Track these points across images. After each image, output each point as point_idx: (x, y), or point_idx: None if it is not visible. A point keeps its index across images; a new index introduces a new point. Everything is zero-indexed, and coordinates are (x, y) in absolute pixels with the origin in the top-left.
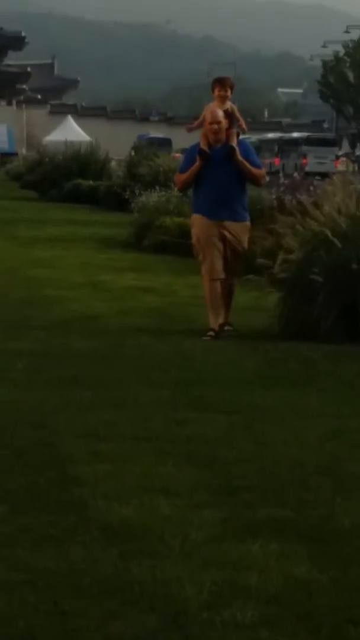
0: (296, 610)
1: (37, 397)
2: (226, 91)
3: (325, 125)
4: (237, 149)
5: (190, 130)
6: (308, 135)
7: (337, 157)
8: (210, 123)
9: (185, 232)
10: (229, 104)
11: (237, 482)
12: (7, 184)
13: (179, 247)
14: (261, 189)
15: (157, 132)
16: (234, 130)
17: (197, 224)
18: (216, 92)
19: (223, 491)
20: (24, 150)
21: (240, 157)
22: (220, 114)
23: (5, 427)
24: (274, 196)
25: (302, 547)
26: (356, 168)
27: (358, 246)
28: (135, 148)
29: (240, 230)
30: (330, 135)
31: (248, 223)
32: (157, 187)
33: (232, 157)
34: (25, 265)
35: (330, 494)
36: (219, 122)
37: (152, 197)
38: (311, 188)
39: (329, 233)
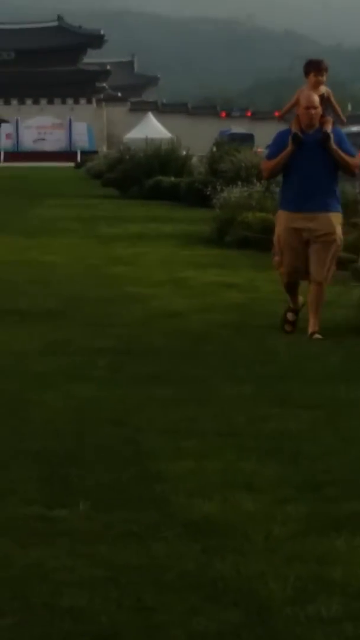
0: None
1: (119, 395)
2: (322, 76)
3: None
4: (331, 135)
5: (281, 117)
6: None
7: None
8: (307, 108)
9: (267, 228)
10: (324, 89)
11: (321, 476)
12: (89, 182)
13: (261, 242)
14: (344, 183)
15: (239, 127)
16: (329, 118)
17: (282, 221)
18: (311, 78)
19: (306, 486)
20: (104, 148)
21: (334, 145)
22: (315, 98)
23: (88, 424)
24: (357, 190)
25: None
26: None
27: None
28: (216, 144)
29: (331, 221)
30: None
31: (340, 214)
32: (239, 183)
33: (326, 144)
34: (107, 263)
35: None
36: (315, 107)
37: (234, 193)
38: None
39: None
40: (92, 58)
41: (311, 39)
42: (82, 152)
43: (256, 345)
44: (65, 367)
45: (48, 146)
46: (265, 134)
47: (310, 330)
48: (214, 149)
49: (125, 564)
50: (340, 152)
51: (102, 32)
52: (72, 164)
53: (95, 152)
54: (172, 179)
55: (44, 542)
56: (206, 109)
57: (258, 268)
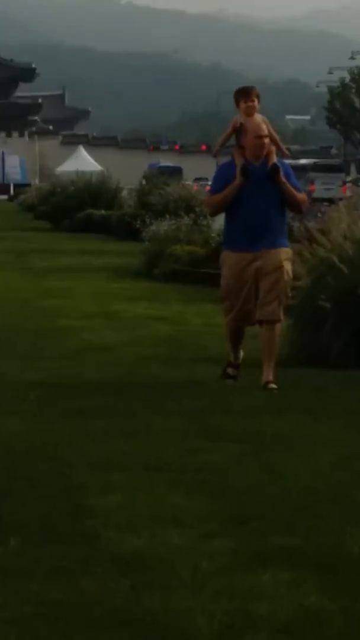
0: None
1: (50, 428)
2: (253, 101)
3: (334, 151)
4: (280, 167)
5: (215, 155)
6: (315, 162)
7: (344, 183)
8: (256, 137)
9: (195, 261)
10: (260, 117)
11: (248, 510)
12: (21, 215)
13: (189, 275)
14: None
15: (167, 160)
16: (273, 148)
17: (230, 263)
18: (242, 105)
19: (234, 520)
20: (36, 181)
21: (283, 178)
22: (263, 127)
23: (18, 458)
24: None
25: (312, 576)
26: None
27: None
28: (146, 177)
29: (280, 257)
30: (336, 161)
31: (289, 250)
32: (168, 216)
33: (275, 178)
34: (39, 296)
35: (340, 522)
36: (265, 136)
37: (163, 226)
38: (318, 214)
39: (336, 259)
40: (23, 91)
41: (237, 73)
42: (15, 185)
43: (185, 378)
44: None
45: None
46: (192, 167)
47: (264, 379)
48: (143, 182)
49: (55, 600)
50: (289, 186)
51: (33, 66)
52: (5, 197)
53: (28, 185)
54: (103, 212)
55: None
56: (135, 142)
57: (186, 301)
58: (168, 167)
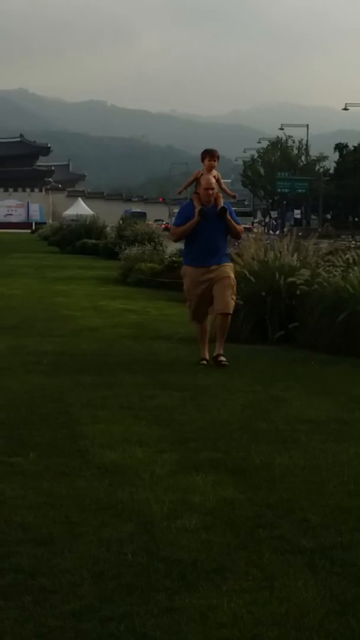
0: (225, 519)
1: (57, 381)
2: (214, 161)
3: (246, 203)
4: (226, 209)
5: (179, 193)
6: (234, 210)
7: (252, 223)
8: (206, 189)
9: (155, 273)
10: (215, 172)
11: (187, 435)
12: (39, 243)
13: (150, 282)
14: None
15: (136, 208)
16: (219, 194)
17: (189, 274)
18: (206, 162)
19: (177, 442)
20: (50, 221)
21: (229, 216)
22: (213, 181)
23: (36, 401)
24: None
25: (229, 478)
26: (265, 230)
27: (265, 281)
28: (122, 218)
29: (226, 269)
30: (248, 209)
31: (231, 264)
32: (136, 244)
33: (223, 216)
34: (50, 295)
35: (247, 442)
36: (213, 188)
37: (133, 250)
38: (236, 244)
39: (246, 272)
40: (42, 162)
41: (183, 151)
42: (36, 223)
43: (146, 349)
44: (22, 363)
45: (14, 219)
46: (153, 212)
47: (216, 352)
48: (121, 221)
49: (58, 493)
50: (232, 221)
51: (48, 145)
52: (29, 231)
53: (44, 223)
54: (94, 241)
55: (4, 479)
56: (116, 195)
57: (148, 299)
58: (137, 212)
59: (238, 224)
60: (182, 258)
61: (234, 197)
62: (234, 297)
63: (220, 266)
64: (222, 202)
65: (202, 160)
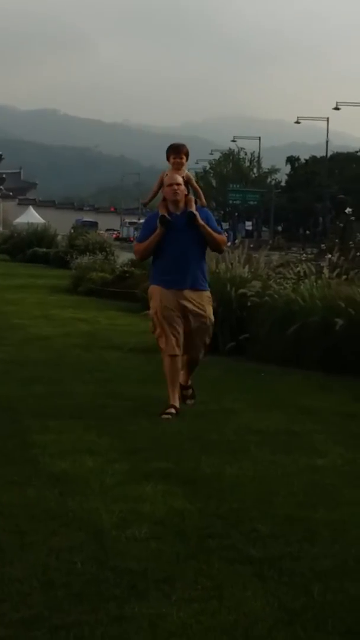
0: (174, 529)
1: (7, 390)
2: (181, 158)
3: None
4: (197, 213)
5: (145, 204)
6: None
7: None
8: (169, 185)
9: (105, 282)
10: (185, 172)
11: (137, 445)
12: None
13: (101, 292)
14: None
15: (88, 217)
16: (192, 197)
17: (156, 296)
18: (171, 160)
19: (128, 451)
20: (0, 228)
21: (201, 221)
22: (178, 177)
23: None
24: None
25: (179, 488)
26: None
27: (216, 292)
28: (74, 227)
29: (202, 300)
30: None
31: (209, 293)
32: (88, 253)
33: (193, 222)
34: (0, 303)
35: (197, 453)
36: (178, 184)
37: (84, 260)
38: None
39: None
40: None
41: (135, 161)
42: None
43: (97, 358)
44: None
45: None
46: (104, 222)
47: (182, 382)
48: (72, 230)
49: (9, 502)
50: (208, 228)
51: (1, 153)
52: None
53: None
54: (44, 249)
55: None
56: (67, 204)
57: (99, 309)
58: (88, 221)
59: (219, 233)
60: (150, 276)
61: (203, 204)
62: (208, 340)
63: (195, 294)
64: (194, 206)
65: (167, 159)
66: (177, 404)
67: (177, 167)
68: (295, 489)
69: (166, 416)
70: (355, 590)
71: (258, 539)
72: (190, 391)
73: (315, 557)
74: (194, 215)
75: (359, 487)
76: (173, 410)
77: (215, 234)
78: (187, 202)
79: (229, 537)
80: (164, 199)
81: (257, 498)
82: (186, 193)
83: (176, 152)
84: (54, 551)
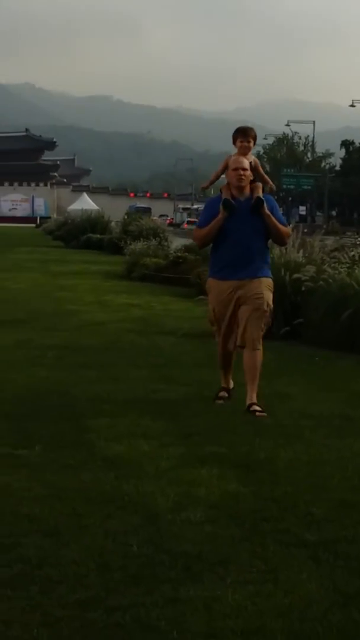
0: (229, 512)
1: (62, 375)
2: (249, 142)
3: None
4: (265, 200)
5: (205, 188)
6: None
7: None
8: (235, 169)
9: (159, 268)
10: (252, 157)
11: (191, 429)
12: (44, 237)
13: (155, 277)
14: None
15: (141, 203)
16: (259, 183)
17: (214, 291)
18: (238, 143)
19: (182, 435)
20: (55, 215)
21: (267, 211)
22: (245, 160)
23: (41, 394)
24: None
25: (233, 472)
26: None
27: None
28: (127, 213)
29: (262, 287)
30: None
31: (270, 280)
32: (142, 239)
33: (259, 210)
34: (55, 290)
35: (251, 437)
36: (244, 169)
37: (138, 245)
38: None
39: None
40: (47, 157)
41: (188, 147)
42: (40, 217)
43: (150, 343)
44: (27, 357)
45: (19, 213)
46: (158, 208)
47: (247, 401)
48: (125, 217)
49: (65, 486)
50: (273, 219)
51: (54, 140)
52: (33, 225)
53: (49, 218)
54: (98, 235)
55: (10, 471)
56: (121, 190)
57: (153, 294)
58: (142, 207)
59: (283, 224)
60: (209, 267)
61: (271, 189)
62: (264, 328)
63: (252, 282)
64: (260, 192)
65: (234, 143)
66: (229, 386)
67: (244, 151)
68: (350, 473)
69: (219, 401)
70: None
71: (312, 522)
72: (257, 407)
73: None
74: (262, 201)
75: None
76: (225, 394)
77: (280, 226)
78: (252, 189)
79: (284, 520)
80: (228, 184)
81: (311, 482)
82: (252, 179)
83: (244, 135)
84: (110, 534)
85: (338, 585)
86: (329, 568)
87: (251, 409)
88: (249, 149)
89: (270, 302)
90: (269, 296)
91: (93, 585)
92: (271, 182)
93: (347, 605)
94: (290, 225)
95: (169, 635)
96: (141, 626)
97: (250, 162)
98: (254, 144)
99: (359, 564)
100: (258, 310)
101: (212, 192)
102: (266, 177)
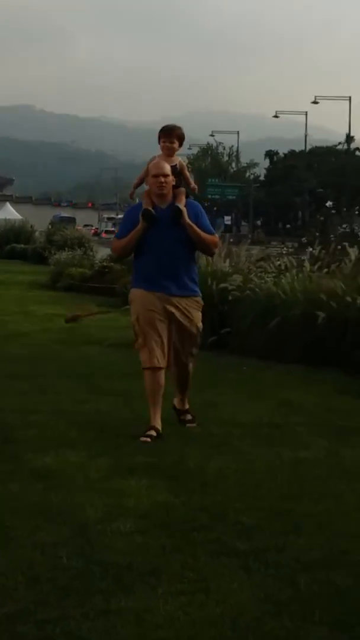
0: (159, 522)
1: None
2: (172, 142)
3: None
4: (184, 210)
5: (132, 195)
6: None
7: None
8: (155, 176)
9: (84, 278)
10: (177, 159)
11: (121, 440)
12: None
13: (80, 287)
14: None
15: (66, 213)
16: (182, 189)
17: (137, 300)
18: (161, 143)
19: (111, 446)
20: None
21: (188, 220)
22: (166, 166)
23: None
24: None
25: (162, 482)
26: None
27: None
28: (51, 223)
29: (190, 307)
30: None
31: (199, 298)
32: (66, 249)
33: (178, 220)
34: None
35: (181, 447)
36: (165, 175)
37: (63, 255)
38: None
39: None
40: None
41: (113, 157)
42: None
43: (77, 354)
44: None
45: None
46: (82, 218)
47: (178, 407)
48: (50, 226)
49: None
50: (196, 228)
51: None
52: None
53: None
54: (22, 245)
55: None
56: (44, 200)
57: (78, 304)
58: (66, 217)
59: (210, 232)
60: (131, 279)
61: (194, 189)
62: (196, 349)
63: (184, 301)
64: (183, 201)
65: (158, 142)
66: (158, 425)
67: (168, 152)
68: (279, 481)
69: (145, 439)
70: (342, 581)
71: (243, 531)
72: (189, 416)
73: (301, 549)
74: (180, 211)
75: (342, 479)
76: (153, 433)
77: (204, 235)
78: (176, 195)
79: (214, 529)
80: (149, 190)
81: (241, 491)
82: (174, 184)
83: (167, 134)
84: (39, 546)
85: (269, 594)
86: (260, 577)
87: (182, 417)
88: (173, 150)
89: (200, 324)
90: (198, 317)
91: (22, 599)
92: (194, 185)
93: (278, 614)
94: (217, 235)
95: None
96: (72, 639)
97: (175, 165)
98: (180, 144)
99: (289, 572)
100: (187, 337)
101: (137, 200)
102: (190, 180)
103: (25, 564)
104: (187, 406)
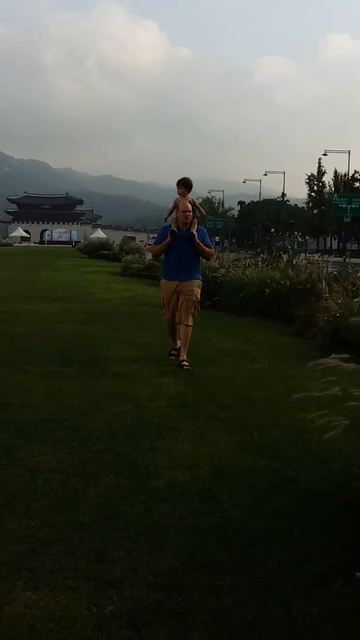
0: (179, 402)
1: (87, 327)
2: (181, 189)
3: None
4: (195, 234)
5: (165, 219)
6: None
7: None
8: (183, 212)
9: (140, 269)
10: (190, 197)
11: (157, 356)
12: (76, 252)
13: (139, 274)
14: None
15: (129, 234)
16: (195, 220)
17: (163, 287)
18: (179, 190)
19: (153, 359)
20: (83, 240)
21: (197, 240)
22: (188, 205)
23: (76, 338)
24: None
25: (181, 380)
26: None
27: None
28: (122, 240)
29: (193, 286)
30: None
31: (199, 281)
32: (130, 254)
33: (191, 240)
34: (83, 281)
35: (192, 362)
36: (189, 211)
37: (128, 257)
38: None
39: None
40: (78, 208)
41: (154, 203)
42: (75, 241)
43: (136, 311)
44: (68, 317)
45: (63, 239)
46: (139, 237)
47: (180, 357)
48: (122, 241)
49: (90, 388)
50: (201, 245)
51: (82, 199)
52: (71, 246)
53: (79, 242)
54: (106, 251)
55: (60, 380)
56: (118, 227)
57: (136, 284)
58: (129, 237)
59: (208, 246)
60: (161, 271)
61: (203, 214)
62: (194, 312)
63: (188, 282)
64: (196, 227)
65: (177, 186)
66: (176, 346)
67: (183, 194)
68: (244, 380)
69: (174, 352)
70: (277, 434)
71: (224, 407)
72: (185, 362)
73: (255, 417)
74: (193, 236)
75: (278, 378)
76: (174, 351)
77: (206, 248)
78: (191, 223)
79: (209, 406)
80: (177, 218)
81: (223, 385)
82: (191, 216)
83: (184, 185)
84: (115, 414)
85: (238, 441)
86: (233, 432)
87: (182, 363)
88: (185, 193)
89: (198, 295)
90: (197, 291)
91: (106, 441)
92: (203, 211)
93: (243, 451)
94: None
95: (149, 467)
96: (133, 463)
97: (190, 201)
98: (189, 189)
99: (249, 429)
100: (189, 301)
101: (167, 222)
102: (201, 209)
103: (108, 424)
104: (185, 357)
